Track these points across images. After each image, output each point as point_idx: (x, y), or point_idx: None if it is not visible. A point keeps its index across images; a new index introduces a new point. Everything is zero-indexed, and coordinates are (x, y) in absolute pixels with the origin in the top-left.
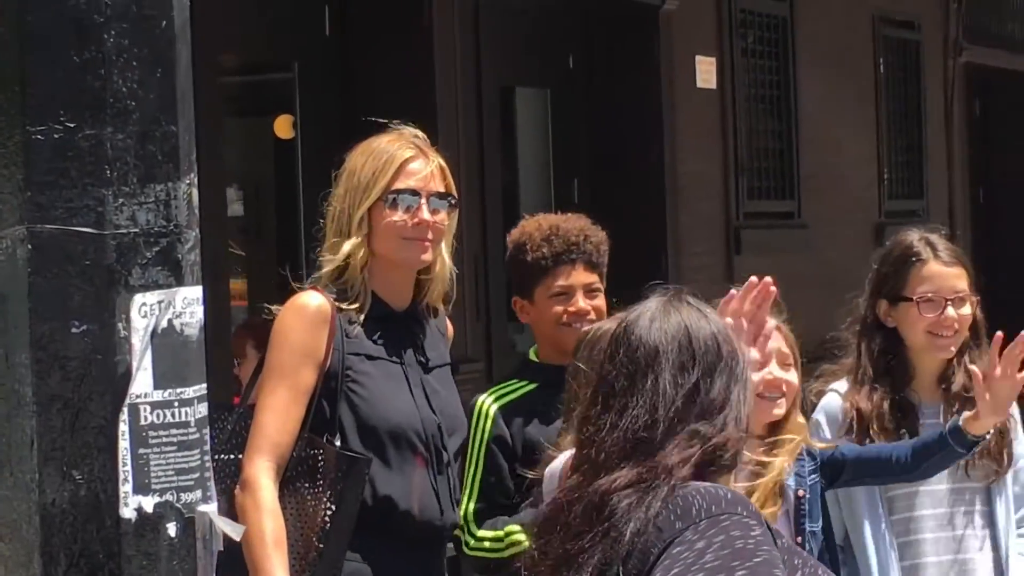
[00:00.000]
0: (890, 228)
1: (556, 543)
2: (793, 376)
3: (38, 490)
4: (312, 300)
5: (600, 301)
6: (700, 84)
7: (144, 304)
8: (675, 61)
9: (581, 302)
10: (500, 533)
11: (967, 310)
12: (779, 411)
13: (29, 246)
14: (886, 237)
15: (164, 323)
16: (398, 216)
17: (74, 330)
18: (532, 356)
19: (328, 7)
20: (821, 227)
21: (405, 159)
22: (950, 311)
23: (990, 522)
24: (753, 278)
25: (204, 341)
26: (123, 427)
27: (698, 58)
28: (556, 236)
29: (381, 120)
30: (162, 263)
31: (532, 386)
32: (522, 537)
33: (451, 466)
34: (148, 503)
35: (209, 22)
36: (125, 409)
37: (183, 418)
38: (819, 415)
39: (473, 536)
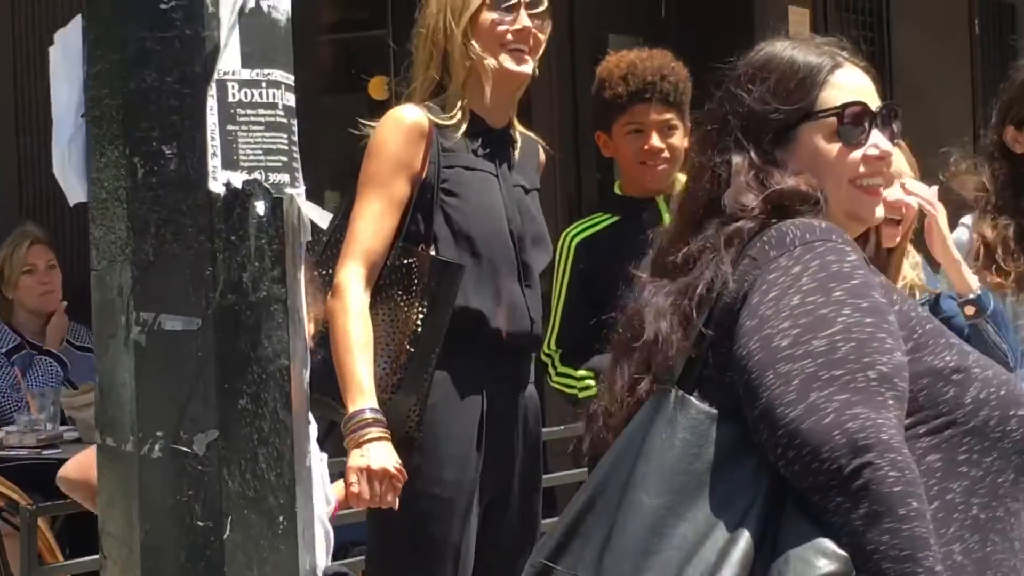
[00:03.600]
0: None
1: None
2: (913, 200)
3: (127, 166)
4: (409, 113)
5: (677, 139)
6: (793, 35)
7: None
8: (768, 10)
9: (655, 139)
10: (576, 374)
11: None
12: (895, 238)
13: None
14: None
15: (252, 2)
16: (498, 19)
17: (163, 6)
18: (616, 190)
19: None
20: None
21: None
22: None
23: None
24: None
25: (291, 33)
26: (211, 102)
27: (791, 8)
28: (633, 74)
29: None
30: None
31: (615, 218)
32: (593, 383)
33: (537, 281)
34: (236, 179)
35: None
36: (213, 84)
37: (271, 99)
38: None
39: (556, 369)
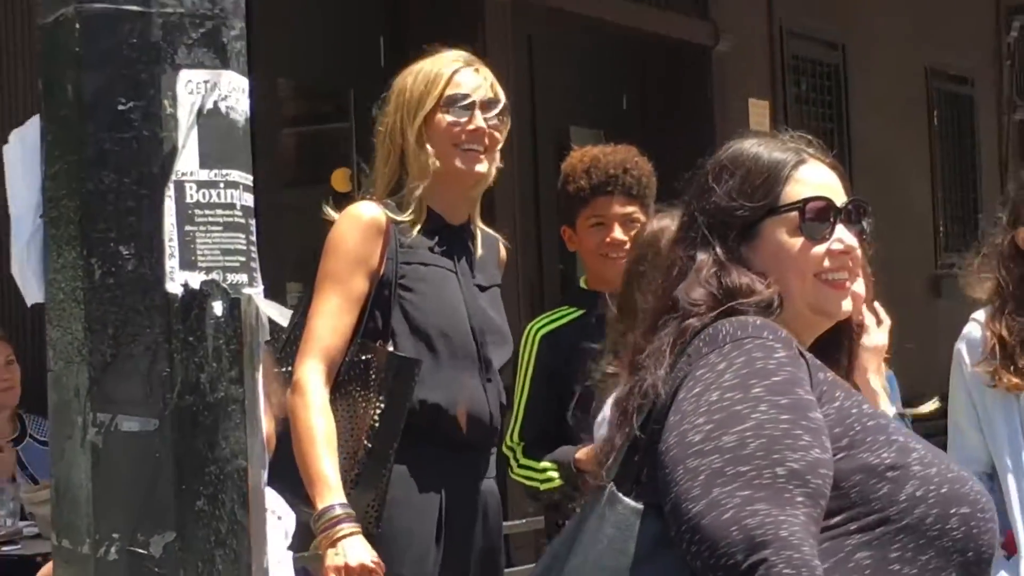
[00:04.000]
0: (946, 281)
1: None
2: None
3: (84, 267)
4: (366, 210)
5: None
6: (753, 126)
7: (190, 81)
8: (728, 103)
9: (617, 232)
10: (538, 466)
11: None
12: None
13: (77, 25)
14: (942, 291)
15: (210, 104)
16: (452, 120)
17: (120, 107)
18: (581, 284)
19: (383, 40)
20: (875, 276)
21: (456, 70)
22: None
23: None
24: None
25: (251, 135)
26: (169, 203)
27: (751, 101)
28: (595, 168)
29: (426, 45)
30: (208, 45)
31: (579, 312)
32: (555, 475)
33: (498, 376)
34: (194, 279)
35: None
36: (171, 185)
37: (229, 199)
38: (960, 344)
39: (517, 462)
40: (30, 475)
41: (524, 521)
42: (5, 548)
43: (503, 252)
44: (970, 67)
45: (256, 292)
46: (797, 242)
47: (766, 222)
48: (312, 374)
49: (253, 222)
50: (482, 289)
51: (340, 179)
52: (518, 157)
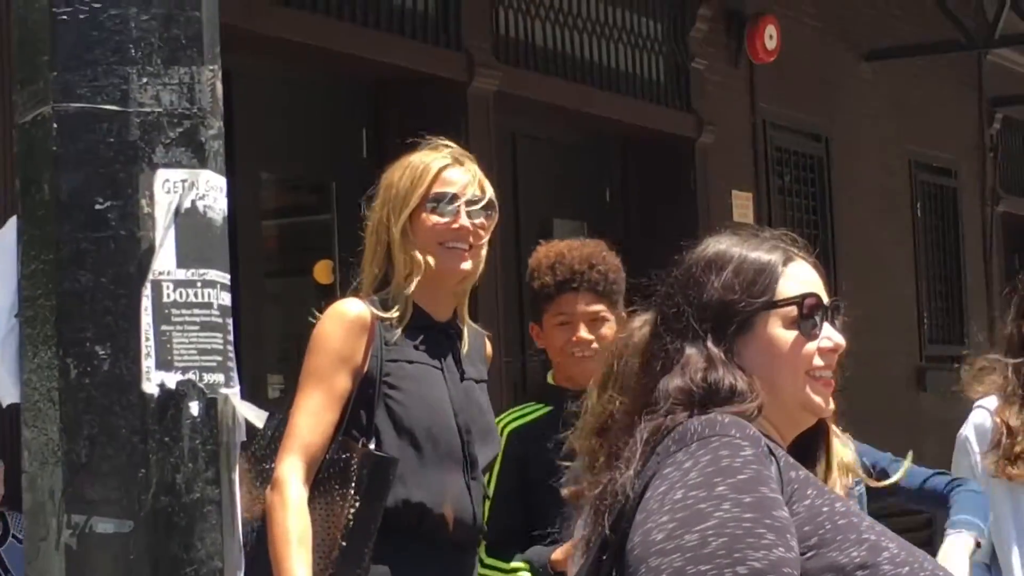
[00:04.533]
0: (931, 373)
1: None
2: None
3: (60, 367)
4: (352, 307)
5: (607, 329)
6: (737, 218)
7: (168, 180)
8: (711, 194)
9: (582, 331)
10: (507, 566)
11: None
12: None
13: (55, 124)
14: (927, 382)
15: (187, 203)
16: (437, 221)
17: (98, 207)
18: (549, 379)
19: (365, 132)
20: (860, 368)
21: (442, 167)
22: None
23: None
24: None
25: (232, 226)
26: (146, 303)
27: (734, 192)
28: (560, 264)
29: (414, 139)
30: (185, 144)
31: (547, 409)
32: (528, 574)
33: (481, 475)
34: (171, 379)
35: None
36: (148, 284)
37: (206, 299)
38: (967, 430)
39: (482, 562)
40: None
41: None
42: None
43: (489, 348)
44: (953, 159)
45: (233, 392)
46: (791, 337)
47: (761, 316)
48: (292, 472)
49: (230, 321)
50: (467, 381)
51: (323, 271)
52: (501, 249)
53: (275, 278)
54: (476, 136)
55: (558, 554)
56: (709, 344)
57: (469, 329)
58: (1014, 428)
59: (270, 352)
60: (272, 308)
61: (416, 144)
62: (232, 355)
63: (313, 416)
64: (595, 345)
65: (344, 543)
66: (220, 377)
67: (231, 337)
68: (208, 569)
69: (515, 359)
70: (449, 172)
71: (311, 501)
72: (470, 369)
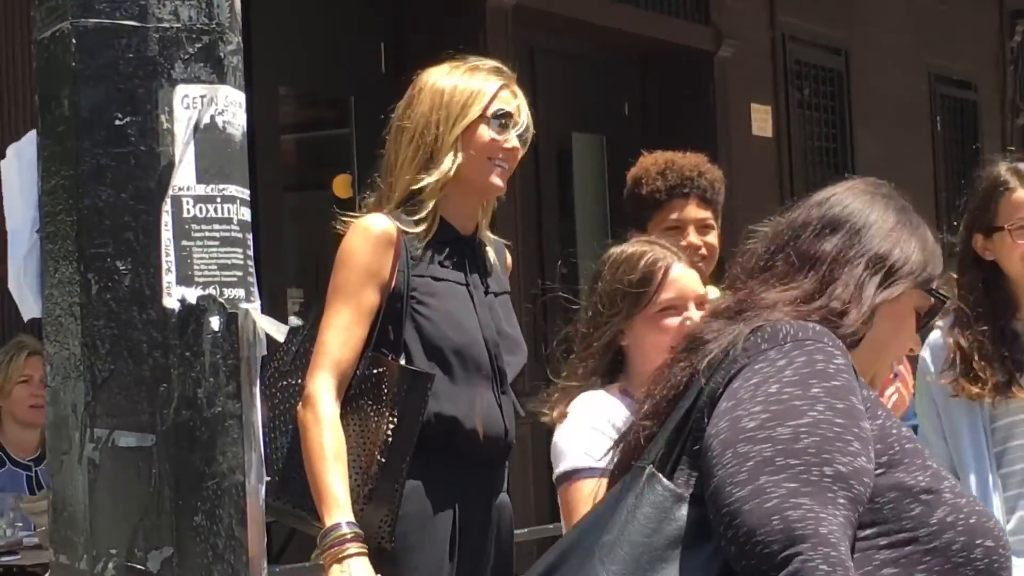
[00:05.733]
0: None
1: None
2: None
3: (81, 282)
4: (377, 222)
5: (712, 238)
6: (756, 132)
7: (187, 96)
8: (730, 108)
9: (693, 236)
10: None
11: None
12: None
13: (73, 40)
14: None
15: (207, 118)
16: (495, 137)
17: (117, 122)
18: None
19: (383, 47)
20: None
21: (500, 86)
22: None
23: None
24: None
25: (251, 142)
26: (166, 218)
27: (753, 106)
28: (671, 170)
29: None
30: (204, 60)
31: None
32: None
33: (510, 389)
34: (191, 294)
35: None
36: (168, 200)
37: (226, 214)
38: (924, 351)
39: None
40: (38, 484)
41: (527, 531)
42: (4, 558)
43: (508, 259)
44: (973, 71)
45: (253, 307)
46: (910, 322)
47: (911, 291)
48: (323, 388)
49: (250, 236)
50: (495, 295)
51: (341, 185)
52: (520, 163)
53: (294, 192)
54: (495, 51)
55: None
56: (869, 280)
57: (489, 240)
58: (965, 347)
59: (290, 267)
60: (291, 223)
61: (454, 58)
62: (252, 270)
63: (342, 332)
64: (703, 251)
65: (383, 459)
66: (240, 292)
67: (251, 252)
68: (230, 482)
69: (532, 269)
70: (505, 92)
71: (343, 417)
72: (495, 281)
